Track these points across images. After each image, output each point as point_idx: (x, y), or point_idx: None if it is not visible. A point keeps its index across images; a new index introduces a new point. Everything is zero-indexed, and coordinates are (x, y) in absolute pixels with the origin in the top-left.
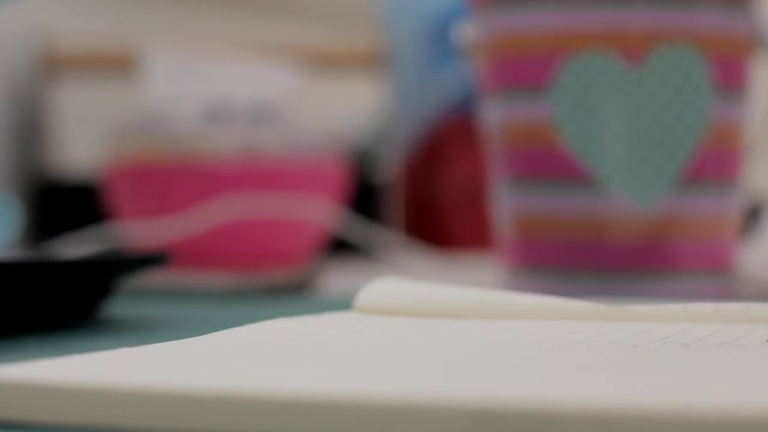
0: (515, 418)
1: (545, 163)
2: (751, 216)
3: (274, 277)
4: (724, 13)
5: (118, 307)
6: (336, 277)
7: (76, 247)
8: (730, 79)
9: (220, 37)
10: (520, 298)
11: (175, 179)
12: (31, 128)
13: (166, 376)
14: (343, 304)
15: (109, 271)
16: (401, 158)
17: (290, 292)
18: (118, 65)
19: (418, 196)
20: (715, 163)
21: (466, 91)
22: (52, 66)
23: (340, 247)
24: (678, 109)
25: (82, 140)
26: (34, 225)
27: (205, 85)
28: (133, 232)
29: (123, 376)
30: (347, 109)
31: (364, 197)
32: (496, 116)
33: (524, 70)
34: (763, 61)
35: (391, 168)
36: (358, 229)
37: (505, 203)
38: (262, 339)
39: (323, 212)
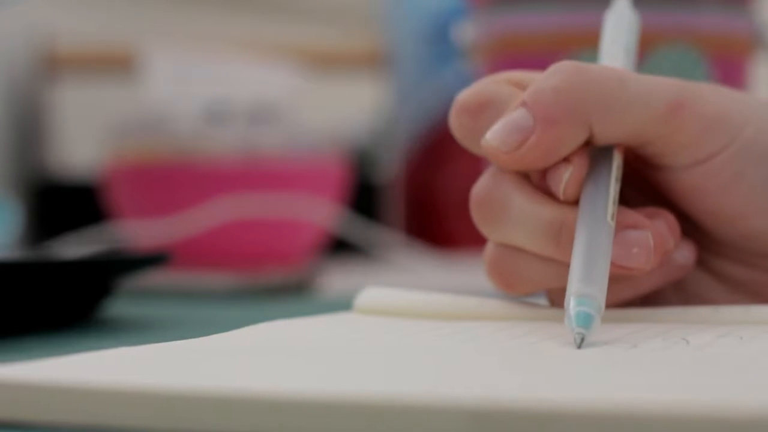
0: (515, 418)
1: None
2: None
3: (274, 277)
4: (724, 13)
5: (118, 307)
6: (336, 277)
7: (76, 247)
8: (730, 79)
9: (220, 37)
10: (516, 304)
11: (175, 179)
12: (31, 128)
13: (166, 376)
14: (343, 304)
15: (109, 271)
16: (401, 158)
17: (290, 292)
18: (118, 65)
19: (418, 196)
20: None
21: None
22: (52, 66)
23: (340, 247)
24: None
25: (82, 140)
26: (34, 225)
27: (205, 85)
28: (133, 232)
29: (123, 376)
30: (347, 109)
31: (364, 197)
32: None
33: (524, 70)
34: (763, 61)
35: (391, 168)
36: (358, 229)
37: None
38: (261, 340)
39: (323, 212)
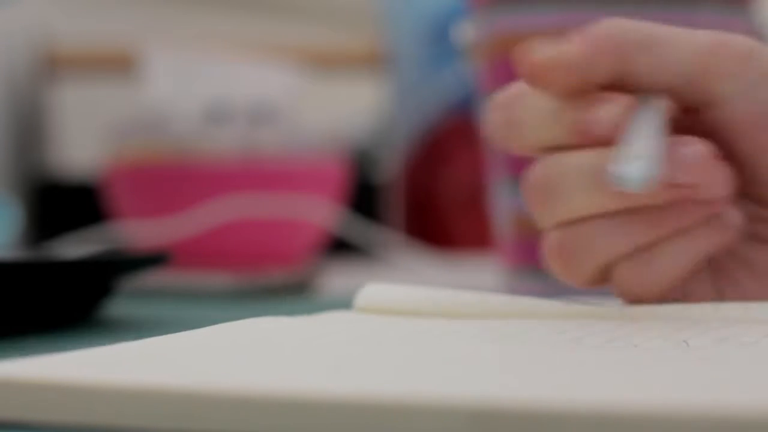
0: (515, 418)
1: None
2: None
3: (274, 277)
4: (724, 13)
5: (118, 307)
6: (336, 277)
7: (76, 247)
8: None
9: (220, 37)
10: (518, 300)
11: (175, 179)
12: (31, 128)
13: (164, 374)
14: (343, 304)
15: (109, 271)
16: (401, 158)
17: (290, 292)
18: (118, 65)
19: (418, 196)
20: None
21: (466, 91)
22: (52, 66)
23: (340, 247)
24: None
25: (82, 140)
26: (34, 225)
27: (205, 85)
28: (133, 232)
29: (118, 374)
30: (347, 109)
31: (364, 197)
32: None
33: None
34: None
35: (391, 168)
36: (358, 229)
37: (505, 203)
38: (260, 337)
39: (323, 212)
